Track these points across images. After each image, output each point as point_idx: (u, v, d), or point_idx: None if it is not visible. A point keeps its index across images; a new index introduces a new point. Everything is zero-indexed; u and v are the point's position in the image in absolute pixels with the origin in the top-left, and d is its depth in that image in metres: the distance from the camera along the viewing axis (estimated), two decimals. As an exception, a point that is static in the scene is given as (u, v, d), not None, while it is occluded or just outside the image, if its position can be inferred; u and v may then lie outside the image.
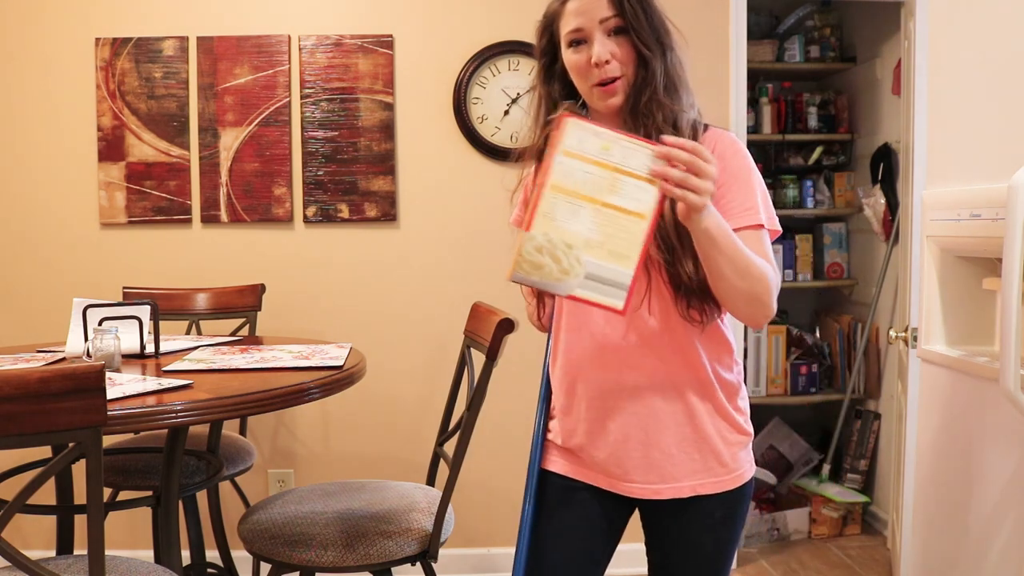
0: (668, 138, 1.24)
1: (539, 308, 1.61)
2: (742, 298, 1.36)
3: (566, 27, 1.43)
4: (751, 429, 1.54)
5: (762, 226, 1.42)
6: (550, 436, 1.59)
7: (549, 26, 1.48)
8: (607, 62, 1.39)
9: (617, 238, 1.22)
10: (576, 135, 1.21)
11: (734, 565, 3.23)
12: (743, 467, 1.52)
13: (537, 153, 1.50)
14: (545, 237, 1.22)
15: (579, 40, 1.42)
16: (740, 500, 1.52)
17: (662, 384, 1.46)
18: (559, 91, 1.50)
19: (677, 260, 1.39)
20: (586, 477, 1.54)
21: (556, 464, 1.57)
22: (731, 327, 1.53)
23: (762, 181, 1.46)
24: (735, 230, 1.37)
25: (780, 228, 1.46)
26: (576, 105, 1.45)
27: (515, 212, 1.62)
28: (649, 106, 1.41)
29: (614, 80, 1.41)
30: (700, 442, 1.48)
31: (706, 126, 1.47)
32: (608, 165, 1.20)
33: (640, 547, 1.61)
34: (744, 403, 1.54)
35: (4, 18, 3.08)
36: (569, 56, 1.44)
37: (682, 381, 1.46)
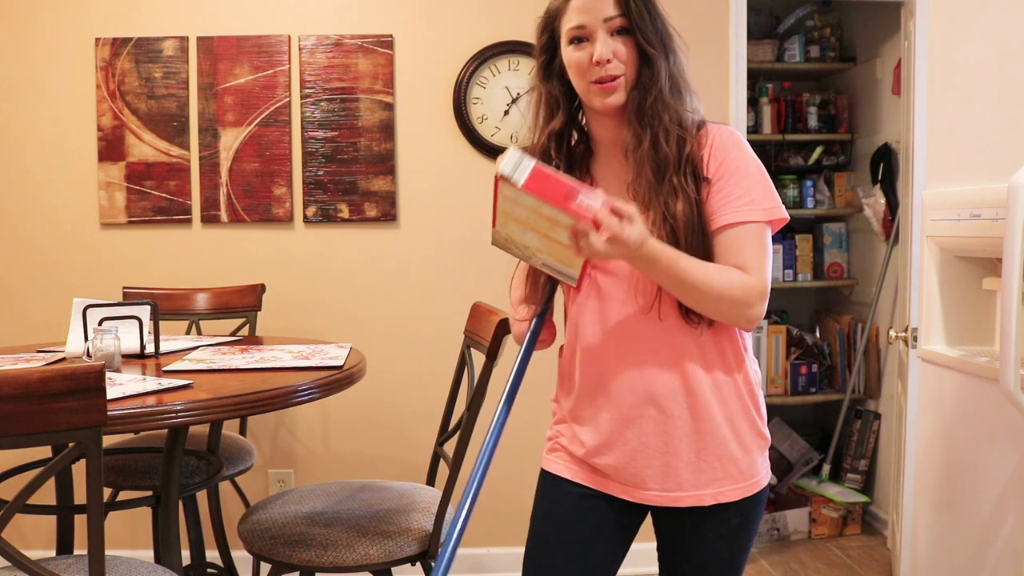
0: (579, 206, 1.25)
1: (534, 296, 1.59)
2: (711, 309, 1.39)
3: (568, 24, 1.42)
4: (768, 434, 1.52)
5: (758, 222, 1.39)
6: (563, 442, 1.57)
7: (551, 23, 1.47)
8: (608, 61, 1.39)
9: (562, 257, 1.37)
10: (509, 192, 1.28)
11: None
12: (760, 473, 1.50)
13: (538, 151, 1.50)
14: (506, 235, 1.40)
15: (581, 38, 1.41)
16: (755, 507, 1.51)
17: (680, 390, 1.44)
18: (557, 88, 1.49)
19: None
20: (601, 486, 1.52)
21: (570, 471, 1.55)
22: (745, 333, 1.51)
23: (763, 169, 1.44)
24: (729, 226, 1.36)
25: (787, 216, 1.43)
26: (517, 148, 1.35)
27: None
28: (655, 107, 1.40)
29: (614, 79, 1.40)
30: (719, 448, 1.46)
31: (704, 122, 1.46)
32: (543, 216, 1.29)
33: (648, 547, 1.60)
34: (762, 408, 1.52)
35: (4, 18, 3.08)
36: (569, 53, 1.43)
37: (701, 387, 1.44)
